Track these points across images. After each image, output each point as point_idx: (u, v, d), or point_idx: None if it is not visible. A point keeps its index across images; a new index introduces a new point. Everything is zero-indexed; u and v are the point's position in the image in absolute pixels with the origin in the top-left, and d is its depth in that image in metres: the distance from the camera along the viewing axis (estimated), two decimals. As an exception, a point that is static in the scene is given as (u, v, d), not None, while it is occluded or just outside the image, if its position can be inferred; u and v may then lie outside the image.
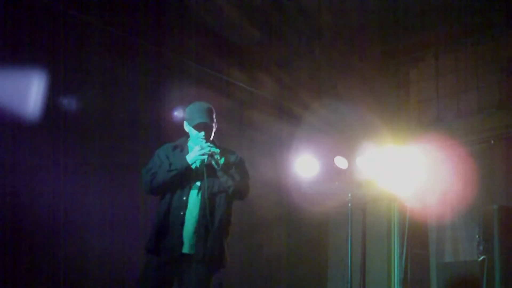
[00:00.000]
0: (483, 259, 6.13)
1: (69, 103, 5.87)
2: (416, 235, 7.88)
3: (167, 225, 4.09)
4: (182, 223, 4.08)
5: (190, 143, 4.33)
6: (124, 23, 6.38)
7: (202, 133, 4.21)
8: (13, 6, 5.46)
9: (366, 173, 7.67)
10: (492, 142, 7.33)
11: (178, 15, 6.97)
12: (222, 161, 4.17)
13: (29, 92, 5.51)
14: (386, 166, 7.56)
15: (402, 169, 7.50)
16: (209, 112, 4.27)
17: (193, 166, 4.17)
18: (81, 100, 5.95)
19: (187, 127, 4.29)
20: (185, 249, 4.07)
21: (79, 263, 5.68)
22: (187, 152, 4.25)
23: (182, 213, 4.09)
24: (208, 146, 4.15)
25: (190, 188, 4.16)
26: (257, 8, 7.54)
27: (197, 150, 4.15)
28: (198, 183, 4.17)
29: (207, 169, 4.15)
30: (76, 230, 5.70)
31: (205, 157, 4.13)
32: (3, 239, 5.24)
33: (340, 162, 7.77)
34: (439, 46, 8.11)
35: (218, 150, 4.18)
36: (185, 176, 4.14)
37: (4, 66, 5.32)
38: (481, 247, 6.18)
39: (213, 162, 4.12)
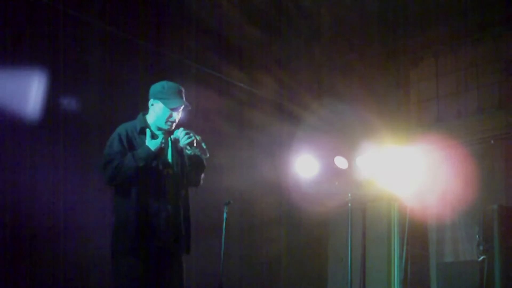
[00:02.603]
0: (483, 259, 6.13)
1: (69, 103, 5.88)
2: (416, 235, 7.87)
3: (151, 220, 3.82)
4: (168, 217, 3.86)
5: (154, 126, 4.03)
6: (124, 23, 6.38)
7: (173, 116, 3.98)
8: (13, 6, 5.46)
9: (366, 173, 7.67)
10: (492, 142, 7.33)
11: (178, 15, 6.98)
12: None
13: (29, 92, 5.51)
14: (386, 166, 7.56)
15: (402, 169, 7.50)
16: (184, 95, 4.05)
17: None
18: (81, 100, 5.95)
19: (157, 106, 3.99)
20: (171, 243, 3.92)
21: (79, 263, 5.67)
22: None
23: (167, 207, 3.88)
24: (190, 133, 3.93)
25: (166, 178, 3.94)
26: (257, 8, 7.54)
27: (184, 137, 3.91)
28: (170, 171, 3.96)
29: (178, 154, 4.01)
30: (76, 230, 5.70)
31: (190, 139, 3.91)
32: (3, 239, 5.24)
33: (340, 162, 7.77)
34: (439, 46, 8.11)
35: (199, 137, 3.97)
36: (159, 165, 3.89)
37: (4, 66, 5.32)
38: (481, 247, 6.18)
39: (198, 152, 3.93)
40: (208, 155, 3.98)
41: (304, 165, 7.89)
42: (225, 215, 6.10)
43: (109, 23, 6.21)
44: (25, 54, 5.52)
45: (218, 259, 6.04)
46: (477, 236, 6.28)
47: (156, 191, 3.88)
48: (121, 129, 3.97)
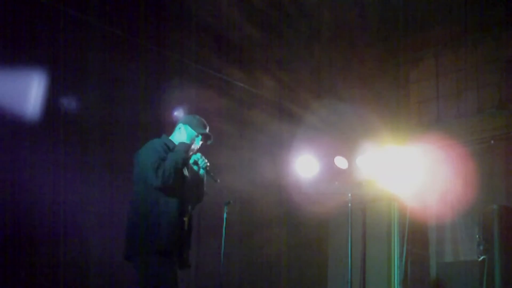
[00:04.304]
0: (483, 259, 6.13)
1: (69, 103, 5.87)
2: (416, 235, 7.88)
3: (175, 229, 4.13)
4: (182, 227, 4.20)
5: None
6: (124, 23, 6.38)
7: (196, 142, 4.38)
8: (13, 6, 5.46)
9: (366, 173, 7.67)
10: (492, 142, 7.33)
11: (178, 15, 6.97)
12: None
13: (29, 92, 5.51)
14: (386, 166, 7.56)
15: (402, 169, 7.50)
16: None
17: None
18: (81, 100, 5.95)
19: (184, 130, 4.39)
20: None
21: (79, 263, 5.67)
22: None
23: (184, 219, 4.21)
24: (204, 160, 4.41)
25: (185, 194, 4.27)
26: (257, 8, 7.54)
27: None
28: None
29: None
30: (76, 230, 5.70)
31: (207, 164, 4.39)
32: (3, 239, 5.24)
33: (340, 162, 7.77)
34: (439, 46, 8.11)
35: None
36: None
37: (4, 66, 5.32)
38: (481, 247, 6.18)
39: (210, 177, 4.38)
40: (218, 181, 4.41)
41: (304, 165, 7.89)
42: (225, 215, 6.09)
43: (109, 23, 6.21)
44: (25, 54, 5.51)
45: (218, 259, 6.04)
46: (477, 236, 6.29)
47: (180, 207, 4.20)
48: (159, 142, 4.31)
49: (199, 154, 4.39)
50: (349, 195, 7.34)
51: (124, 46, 6.34)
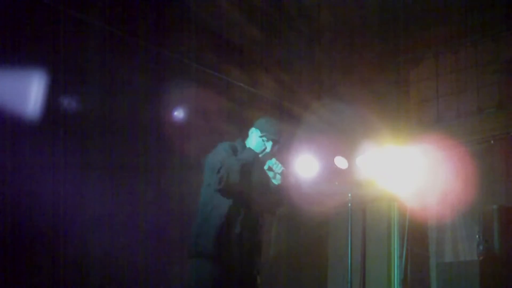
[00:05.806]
0: (483, 259, 6.13)
1: (69, 103, 5.87)
2: (416, 235, 7.88)
3: (226, 236, 4.03)
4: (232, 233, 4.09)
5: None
6: (124, 23, 6.38)
7: (267, 149, 4.26)
8: (13, 6, 5.46)
9: (366, 173, 7.67)
10: (492, 142, 7.33)
11: (178, 15, 6.97)
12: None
13: (29, 92, 5.51)
14: (386, 166, 7.56)
15: (402, 169, 7.50)
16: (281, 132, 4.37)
17: None
18: (81, 100, 5.95)
19: (255, 134, 4.31)
20: None
21: (79, 263, 5.67)
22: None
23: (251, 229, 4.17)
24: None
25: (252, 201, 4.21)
26: (257, 8, 7.54)
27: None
28: None
29: None
30: (76, 230, 5.70)
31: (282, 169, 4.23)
32: (3, 239, 5.24)
33: (340, 162, 7.77)
34: (439, 46, 8.12)
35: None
36: None
37: (4, 66, 5.32)
38: (481, 247, 6.18)
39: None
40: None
41: (304, 165, 7.88)
42: (225, 215, 6.08)
43: (109, 23, 6.21)
44: (25, 54, 5.51)
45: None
46: (477, 236, 6.29)
47: (246, 211, 4.14)
48: (226, 144, 4.25)
49: (274, 160, 4.23)
50: (349, 195, 7.34)
51: (124, 46, 6.34)
